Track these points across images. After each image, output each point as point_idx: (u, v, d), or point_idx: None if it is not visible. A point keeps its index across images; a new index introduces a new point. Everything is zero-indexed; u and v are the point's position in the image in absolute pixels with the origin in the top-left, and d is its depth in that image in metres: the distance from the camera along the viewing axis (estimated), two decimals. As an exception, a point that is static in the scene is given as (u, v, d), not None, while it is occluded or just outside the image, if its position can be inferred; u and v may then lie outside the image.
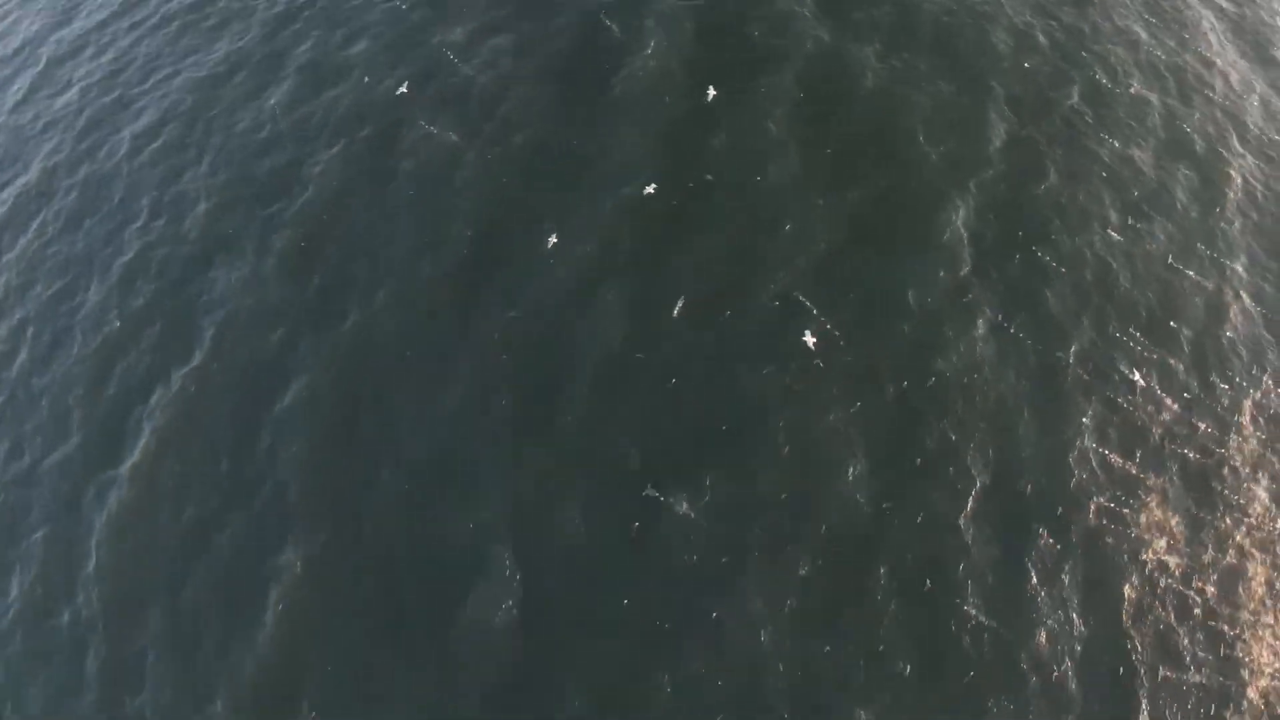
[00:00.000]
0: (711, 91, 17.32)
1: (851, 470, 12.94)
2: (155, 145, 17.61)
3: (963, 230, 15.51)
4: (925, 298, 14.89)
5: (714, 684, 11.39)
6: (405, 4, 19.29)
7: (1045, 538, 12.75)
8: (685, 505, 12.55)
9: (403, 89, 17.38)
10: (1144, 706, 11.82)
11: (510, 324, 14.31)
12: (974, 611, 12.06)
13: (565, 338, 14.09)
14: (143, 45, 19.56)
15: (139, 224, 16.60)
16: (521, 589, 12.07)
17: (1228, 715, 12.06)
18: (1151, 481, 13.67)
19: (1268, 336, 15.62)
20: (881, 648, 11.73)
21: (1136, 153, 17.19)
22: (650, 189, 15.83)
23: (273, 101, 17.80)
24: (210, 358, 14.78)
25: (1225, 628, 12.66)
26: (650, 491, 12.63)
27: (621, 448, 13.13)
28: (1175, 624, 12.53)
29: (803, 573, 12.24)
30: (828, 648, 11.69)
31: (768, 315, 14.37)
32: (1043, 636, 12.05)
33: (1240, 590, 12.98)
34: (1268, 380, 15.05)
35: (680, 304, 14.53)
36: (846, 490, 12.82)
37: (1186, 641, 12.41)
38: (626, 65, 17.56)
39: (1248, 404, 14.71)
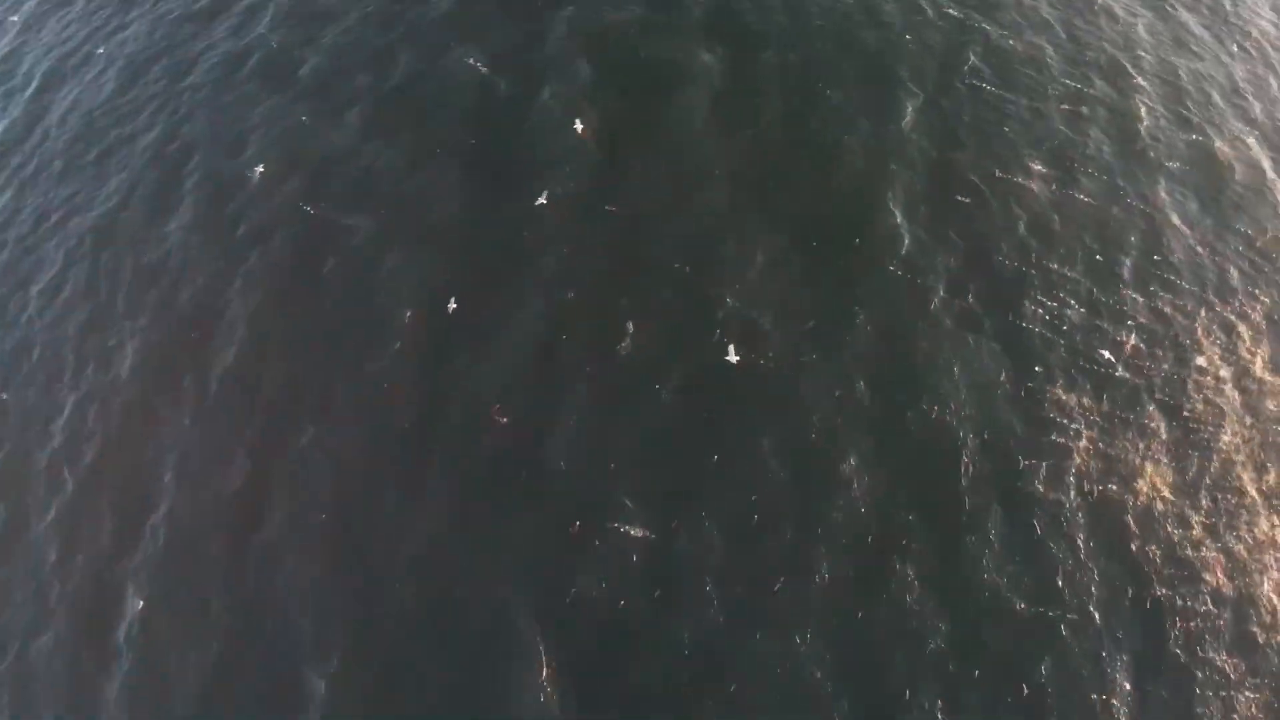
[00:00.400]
0: (620, 125, 17.35)
1: (849, 462, 13.27)
2: (64, 296, 16.99)
3: (897, 214, 15.83)
4: (877, 283, 15.11)
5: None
6: (287, 96, 18.92)
7: (1043, 493, 13.12)
8: (685, 540, 12.56)
9: (303, 189, 17.07)
10: (1171, 628, 12.32)
11: (472, 400, 14.14)
12: (993, 576, 12.30)
13: (524, 405, 14.06)
14: (27, 194, 18.88)
15: (67, 379, 15.98)
16: (556, 664, 11.92)
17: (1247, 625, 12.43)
18: (1130, 417, 14.13)
19: (1202, 252, 16.26)
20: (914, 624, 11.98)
21: (1042, 103, 17.81)
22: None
23: (174, 226, 17.31)
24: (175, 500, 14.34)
25: (1225, 539, 13.35)
26: (640, 531, 12.62)
27: (608, 491, 13.08)
28: (1179, 543, 13.12)
29: (821, 580, 12.25)
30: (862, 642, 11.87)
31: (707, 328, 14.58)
32: (1063, 584, 12.54)
33: (1232, 499, 13.66)
34: (1211, 295, 15.68)
35: (628, 341, 14.44)
36: (841, 480, 13.15)
37: (1193, 554, 13.07)
38: (527, 118, 17.52)
39: (1199, 322, 15.30)
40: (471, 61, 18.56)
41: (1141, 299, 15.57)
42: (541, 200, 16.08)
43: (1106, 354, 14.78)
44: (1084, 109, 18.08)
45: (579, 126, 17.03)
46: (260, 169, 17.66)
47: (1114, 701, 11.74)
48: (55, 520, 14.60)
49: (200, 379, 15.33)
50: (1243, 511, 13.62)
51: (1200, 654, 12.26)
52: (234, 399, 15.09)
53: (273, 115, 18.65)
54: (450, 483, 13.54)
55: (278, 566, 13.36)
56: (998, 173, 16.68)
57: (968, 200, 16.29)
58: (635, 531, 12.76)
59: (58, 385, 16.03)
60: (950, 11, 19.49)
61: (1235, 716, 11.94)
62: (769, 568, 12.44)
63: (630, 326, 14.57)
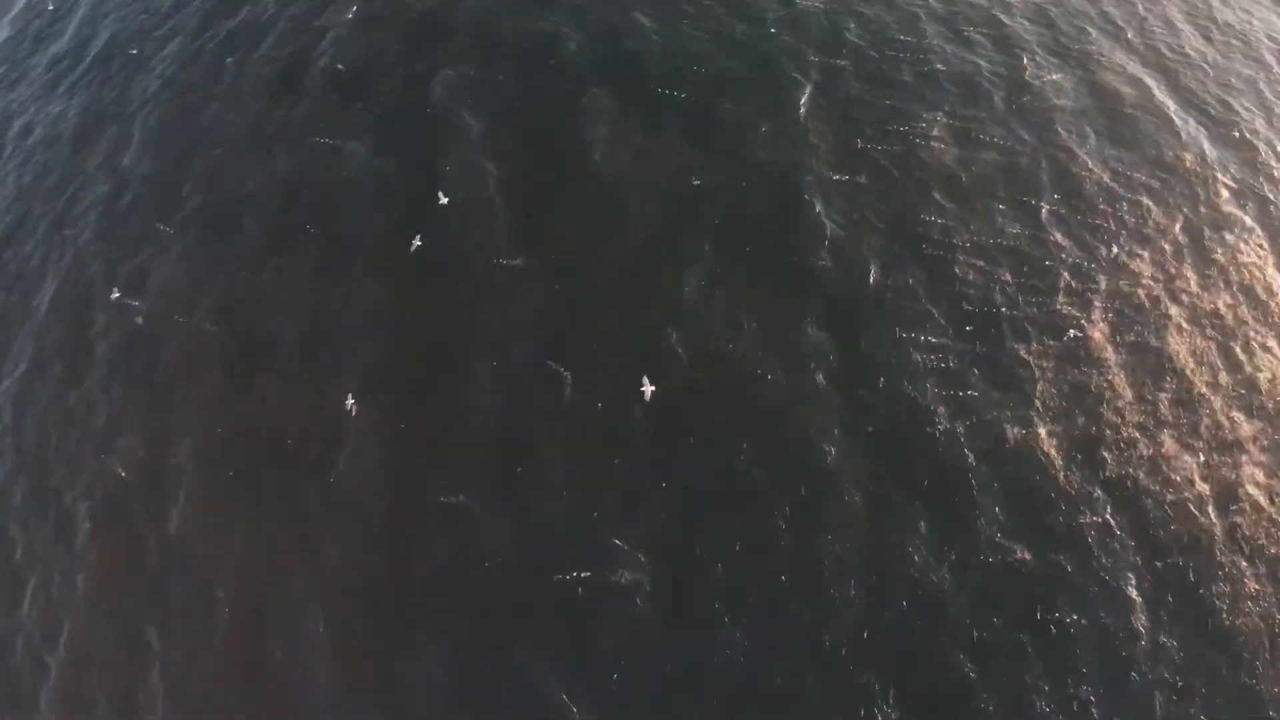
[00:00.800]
0: (524, 177, 17.33)
1: (830, 449, 13.49)
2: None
3: (816, 204, 16.17)
4: (814, 276, 15.45)
5: None
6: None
7: (1013, 441, 13.69)
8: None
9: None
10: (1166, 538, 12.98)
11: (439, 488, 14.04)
12: (990, 529, 12.78)
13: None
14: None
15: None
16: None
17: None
18: (1080, 315, 14.90)
19: (1112, 182, 16.97)
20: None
21: (927, 68, 18.49)
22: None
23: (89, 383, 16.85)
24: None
25: (1192, 442, 14.12)
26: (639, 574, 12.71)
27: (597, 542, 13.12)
28: (1150, 452, 13.94)
29: (830, 567, 12.47)
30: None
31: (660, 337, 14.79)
32: (1052, 520, 13.00)
33: (1189, 404, 14.59)
34: (1129, 218, 16.38)
35: (569, 389, 14.53)
36: (821, 465, 13.36)
37: (1164, 412, 14.25)
38: (430, 191, 17.39)
39: (1123, 246, 15.98)
40: (360, 150, 18.36)
41: (1065, 238, 16.20)
42: (467, 268, 16.00)
43: (1043, 297, 15.30)
44: (969, 66, 18.70)
45: (489, 187, 17.01)
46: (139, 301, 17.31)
47: (1132, 620, 12.20)
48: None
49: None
50: (1202, 412, 14.43)
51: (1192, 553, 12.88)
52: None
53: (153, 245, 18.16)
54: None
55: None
56: (899, 146, 17.14)
57: (879, 177, 16.72)
58: (634, 576, 12.77)
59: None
60: (817, -1, 20.07)
61: (1245, 611, 12.44)
62: (773, 567, 12.60)
63: (569, 376, 14.56)
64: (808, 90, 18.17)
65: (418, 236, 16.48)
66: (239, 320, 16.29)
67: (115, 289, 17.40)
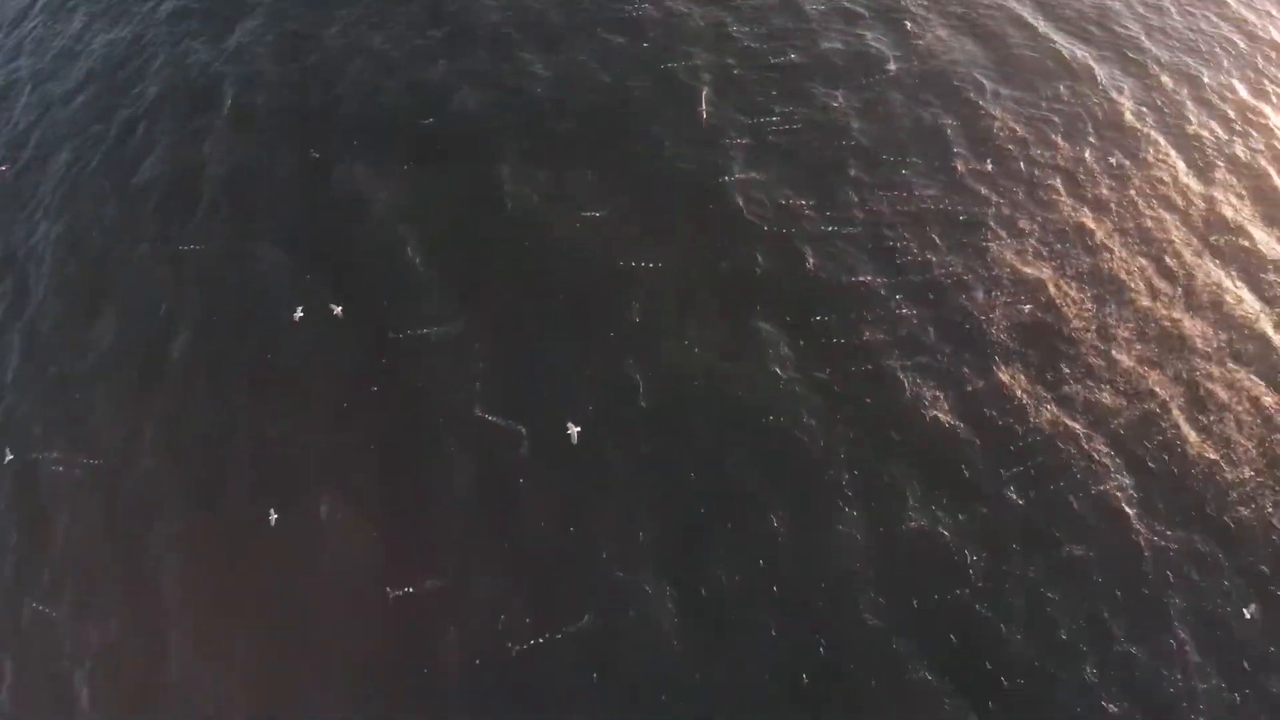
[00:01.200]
0: (441, 236, 17.19)
1: (810, 437, 13.59)
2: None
3: (739, 200, 16.45)
4: (744, 254, 15.75)
5: None
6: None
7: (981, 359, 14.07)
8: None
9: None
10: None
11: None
12: (975, 460, 13.10)
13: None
14: None
15: None
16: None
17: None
18: (1015, 257, 15.27)
19: (1015, 123, 17.69)
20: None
21: (813, 44, 19.22)
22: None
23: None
24: None
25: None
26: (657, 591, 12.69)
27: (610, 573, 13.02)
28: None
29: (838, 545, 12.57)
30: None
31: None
32: (1021, 431, 13.36)
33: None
34: (1039, 152, 16.98)
35: (526, 445, 14.41)
36: (806, 454, 13.44)
37: (1115, 330, 14.85)
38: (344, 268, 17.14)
39: (1040, 179, 16.64)
40: (269, 251, 18.04)
41: (984, 187, 16.93)
42: (408, 334, 15.82)
43: (976, 248, 15.87)
44: (854, 38, 19.36)
45: (408, 251, 16.93)
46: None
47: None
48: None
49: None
50: (1149, 322, 15.20)
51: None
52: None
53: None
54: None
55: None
56: (806, 128, 17.64)
57: (793, 163, 17.25)
58: (643, 606, 12.72)
59: None
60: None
61: (1229, 500, 13.04)
62: (783, 562, 12.65)
63: (524, 430, 14.48)
64: (704, 93, 18.59)
65: (339, 308, 16.24)
66: (186, 458, 15.66)
67: (53, 450, 16.77)
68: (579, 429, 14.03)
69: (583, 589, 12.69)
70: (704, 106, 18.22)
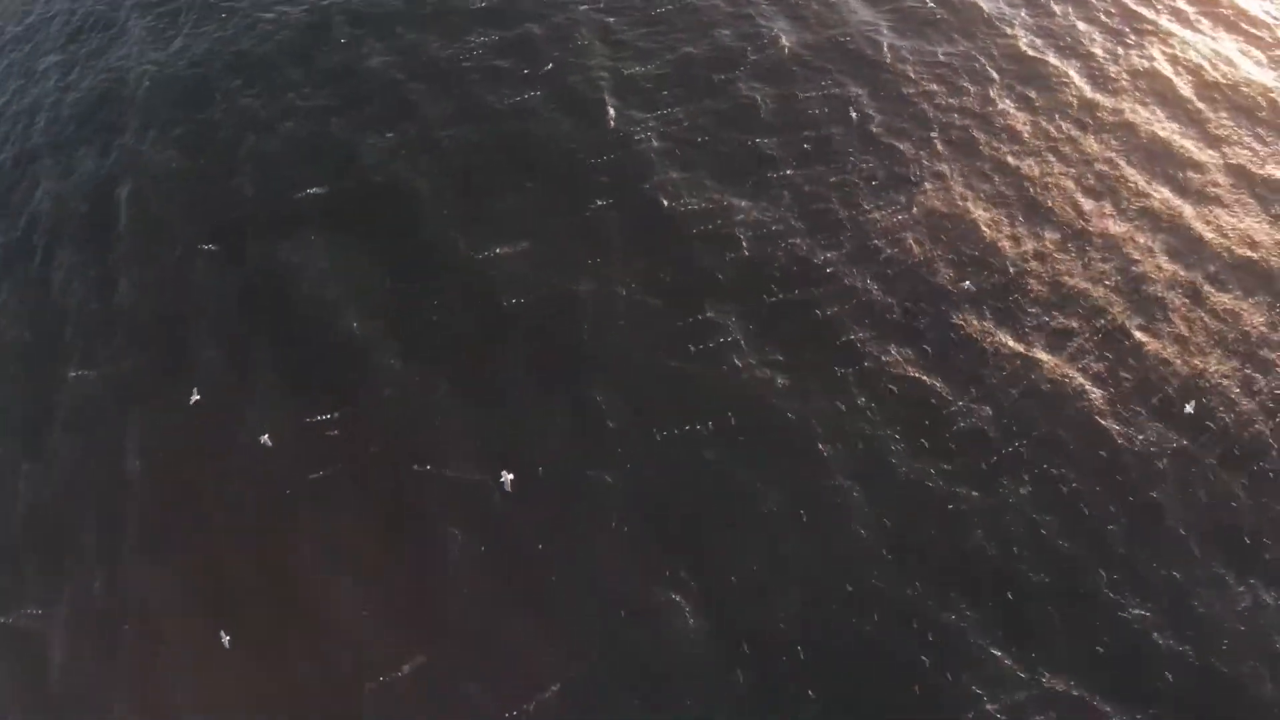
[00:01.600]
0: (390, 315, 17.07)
1: (776, 414, 13.70)
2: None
3: (664, 202, 16.65)
4: (683, 252, 15.83)
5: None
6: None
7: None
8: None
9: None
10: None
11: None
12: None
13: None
14: None
15: None
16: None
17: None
18: (939, 200, 15.71)
19: (914, 75, 18.12)
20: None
21: (676, 34, 19.97)
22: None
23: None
24: None
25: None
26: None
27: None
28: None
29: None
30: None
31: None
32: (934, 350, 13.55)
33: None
34: (948, 101, 17.51)
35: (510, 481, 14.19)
36: (776, 434, 13.45)
37: (1053, 253, 15.32)
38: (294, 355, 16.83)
39: (952, 130, 17.12)
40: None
41: (899, 141, 17.41)
42: (359, 401, 15.61)
43: (899, 202, 16.30)
44: (742, 19, 19.97)
45: (343, 320, 16.43)
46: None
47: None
48: None
49: None
50: (1080, 240, 15.78)
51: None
52: None
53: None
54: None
55: None
56: (710, 115, 18.05)
57: (710, 154, 17.49)
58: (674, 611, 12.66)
59: None
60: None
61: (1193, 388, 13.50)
62: (789, 548, 12.66)
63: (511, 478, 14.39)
64: (608, 101, 18.77)
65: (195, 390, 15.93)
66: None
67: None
68: (512, 476, 13.73)
69: (584, 635, 12.45)
70: (610, 114, 18.36)
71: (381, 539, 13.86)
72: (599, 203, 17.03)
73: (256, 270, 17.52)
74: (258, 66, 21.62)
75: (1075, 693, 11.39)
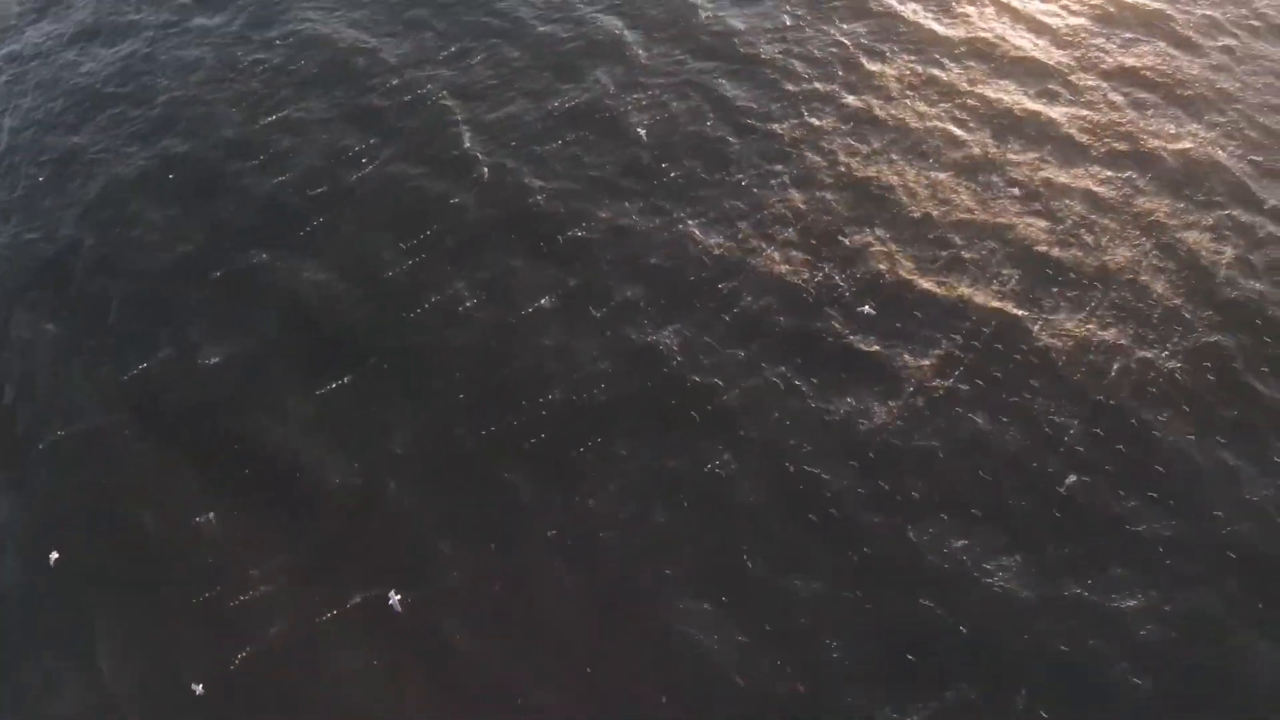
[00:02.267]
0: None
1: (714, 389, 13.76)
2: None
3: (598, 206, 16.48)
4: (589, 268, 15.62)
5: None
6: None
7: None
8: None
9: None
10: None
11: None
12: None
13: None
14: None
15: None
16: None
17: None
18: (857, 162, 16.59)
19: (818, 55, 19.63)
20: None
21: (580, 34, 20.51)
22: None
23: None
24: None
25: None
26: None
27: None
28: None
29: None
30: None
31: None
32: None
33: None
34: (823, 86, 18.71)
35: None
36: (768, 423, 13.55)
37: (968, 204, 16.11)
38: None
39: (843, 101, 18.42)
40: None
41: (770, 123, 18.02)
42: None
43: (812, 164, 16.99)
44: (579, 34, 20.56)
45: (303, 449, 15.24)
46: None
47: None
48: None
49: None
50: (992, 174, 16.96)
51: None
52: None
53: None
54: None
55: None
56: (598, 130, 18.09)
57: (591, 166, 17.42)
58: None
59: None
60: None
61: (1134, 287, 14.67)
62: (790, 534, 12.59)
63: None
64: (463, 128, 18.41)
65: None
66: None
67: None
68: (399, 596, 12.62)
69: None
70: (484, 167, 17.71)
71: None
72: (521, 250, 16.20)
73: (216, 369, 15.10)
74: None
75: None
